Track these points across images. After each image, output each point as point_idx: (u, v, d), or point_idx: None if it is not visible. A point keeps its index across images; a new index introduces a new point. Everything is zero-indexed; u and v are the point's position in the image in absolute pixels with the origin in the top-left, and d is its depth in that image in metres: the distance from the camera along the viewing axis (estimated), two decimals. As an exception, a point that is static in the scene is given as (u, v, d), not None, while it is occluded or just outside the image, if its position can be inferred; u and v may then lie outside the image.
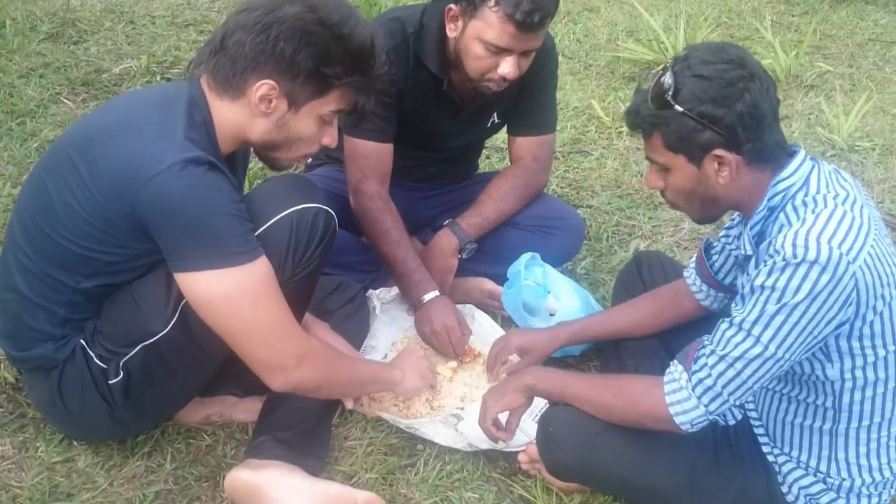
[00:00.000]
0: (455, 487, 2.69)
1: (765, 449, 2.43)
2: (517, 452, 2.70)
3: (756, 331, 2.11)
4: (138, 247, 2.31)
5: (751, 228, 2.26)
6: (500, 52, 2.86)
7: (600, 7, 6.27)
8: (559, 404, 2.49)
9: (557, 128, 3.49)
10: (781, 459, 2.39)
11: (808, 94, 5.22)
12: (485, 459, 2.76)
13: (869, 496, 2.32)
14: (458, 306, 3.17)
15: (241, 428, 2.82)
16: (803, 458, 2.35)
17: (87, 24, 5.26)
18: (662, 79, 2.20)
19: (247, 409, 2.82)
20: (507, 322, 3.26)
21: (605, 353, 2.96)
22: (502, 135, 3.58)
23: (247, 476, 2.54)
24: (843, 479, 2.31)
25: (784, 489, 2.39)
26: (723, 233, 2.64)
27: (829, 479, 2.32)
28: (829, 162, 2.46)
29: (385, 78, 2.42)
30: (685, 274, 2.76)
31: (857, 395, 2.22)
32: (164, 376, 2.47)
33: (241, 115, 2.34)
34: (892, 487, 2.35)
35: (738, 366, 2.14)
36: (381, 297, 3.18)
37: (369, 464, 2.73)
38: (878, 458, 2.29)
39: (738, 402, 2.21)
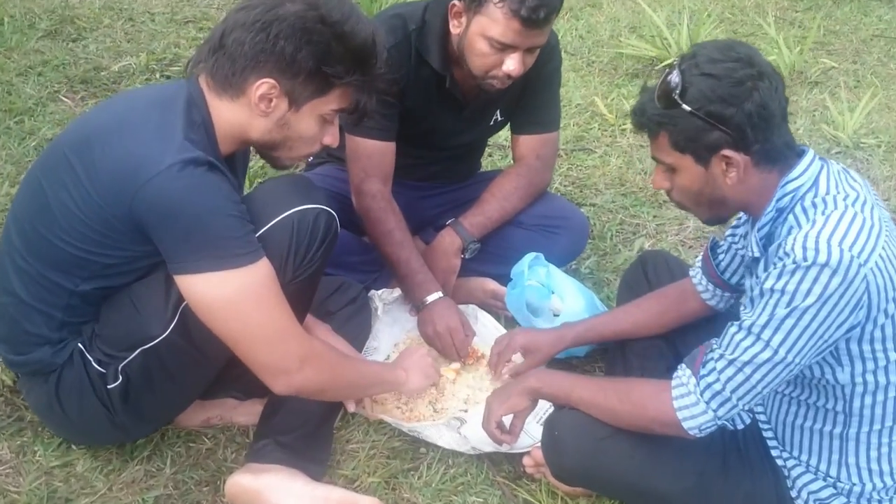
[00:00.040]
0: (459, 491, 2.66)
1: (774, 453, 2.40)
2: (521, 456, 2.67)
3: (766, 335, 2.08)
4: (137, 249, 2.28)
5: (758, 230, 2.23)
6: (504, 48, 2.82)
7: (603, 3, 6.23)
8: (564, 408, 2.46)
9: (560, 125, 3.46)
10: (791, 463, 2.36)
11: (813, 90, 5.18)
12: (489, 463, 2.73)
13: (879, 501, 2.29)
14: (461, 307, 3.14)
15: (242, 431, 2.80)
16: (813, 462, 2.32)
17: (86, 22, 5.23)
18: (669, 77, 2.16)
19: (247, 412, 2.80)
20: (510, 323, 3.23)
21: (611, 353, 2.94)
22: (505, 132, 3.55)
23: (247, 481, 2.52)
24: (854, 484, 2.27)
25: (793, 493, 2.36)
26: (729, 232, 2.61)
27: (839, 484, 2.29)
28: (834, 159, 2.43)
29: (387, 76, 2.39)
30: (691, 273, 2.73)
31: (868, 400, 2.18)
32: (164, 380, 2.44)
33: (241, 114, 2.31)
34: (902, 492, 2.32)
35: (748, 370, 2.11)
36: (384, 297, 3.15)
37: (372, 467, 2.71)
38: (889, 462, 2.26)
39: (746, 407, 2.18)
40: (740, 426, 2.47)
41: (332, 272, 2.93)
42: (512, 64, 2.84)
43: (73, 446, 2.68)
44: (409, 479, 2.69)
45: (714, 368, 2.15)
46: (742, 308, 2.20)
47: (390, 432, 2.82)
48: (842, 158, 4.43)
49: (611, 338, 2.86)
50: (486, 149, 3.82)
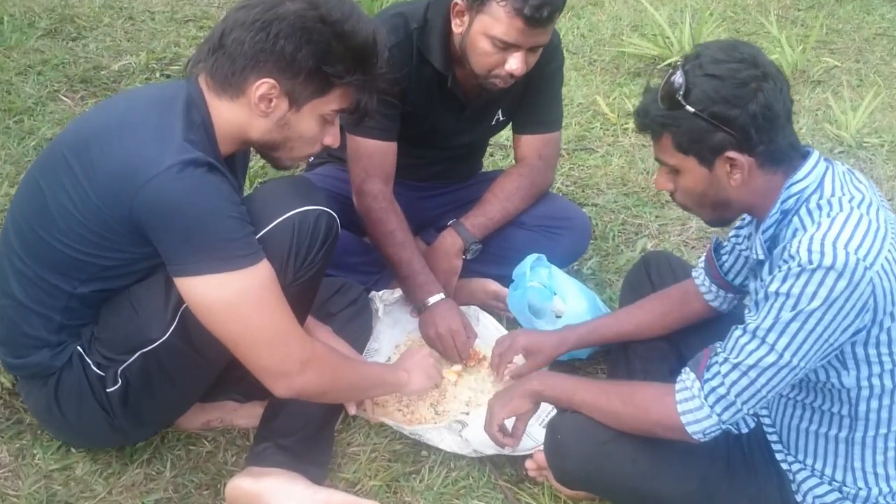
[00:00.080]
0: (461, 495, 2.65)
1: (779, 457, 2.38)
2: (524, 459, 2.65)
3: (770, 338, 2.06)
4: (136, 251, 2.26)
5: (763, 232, 2.21)
6: (507, 47, 2.80)
7: (604, 1, 6.20)
8: (567, 411, 2.44)
9: (563, 125, 3.43)
10: (796, 468, 2.34)
11: (815, 89, 5.16)
12: (491, 466, 2.71)
13: (885, 505, 2.27)
14: (463, 308, 3.12)
15: (243, 434, 2.78)
16: (818, 466, 2.30)
17: (86, 21, 5.21)
18: (673, 78, 2.14)
19: (248, 415, 2.79)
20: (511, 324, 3.22)
21: (613, 355, 2.92)
22: (506, 132, 3.53)
23: (248, 484, 2.50)
24: (860, 489, 2.25)
25: (798, 498, 2.33)
26: (732, 233, 2.59)
27: (844, 489, 2.27)
28: (837, 159, 2.41)
29: (388, 76, 2.37)
30: (694, 274, 2.72)
31: (874, 404, 2.16)
32: (164, 384, 2.43)
33: (241, 114, 2.29)
34: (908, 496, 2.30)
35: (752, 374, 2.09)
36: (385, 298, 3.13)
37: (373, 471, 2.69)
38: (896, 467, 2.25)
39: (751, 412, 2.16)
40: (744, 430, 2.45)
41: (333, 273, 2.91)
42: (515, 63, 2.83)
43: (73, 449, 2.67)
44: (411, 483, 2.67)
45: (718, 372, 2.14)
46: (746, 311, 2.17)
47: (391, 435, 2.80)
48: (845, 158, 4.41)
49: (613, 339, 2.84)
50: (488, 149, 3.80)
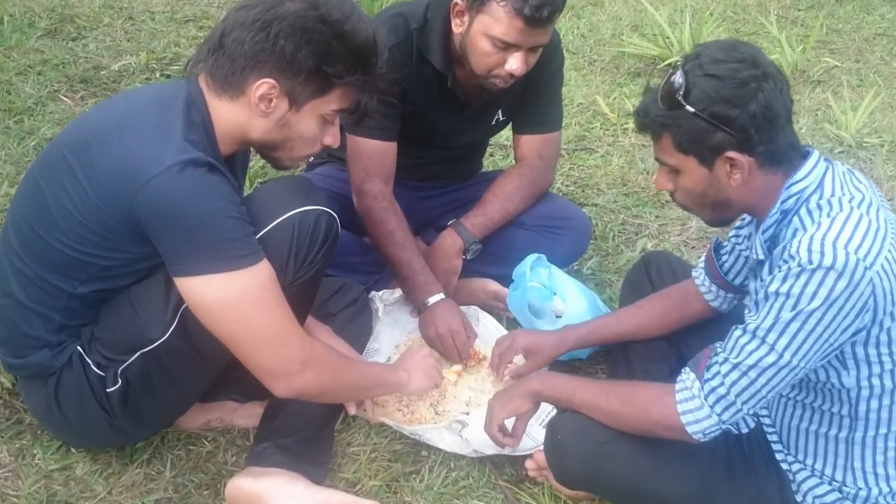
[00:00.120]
0: (461, 495, 2.65)
1: (778, 457, 2.38)
2: (524, 459, 2.65)
3: (770, 338, 2.06)
4: (136, 251, 2.26)
5: (763, 232, 2.20)
6: (507, 47, 2.80)
7: (604, 1, 6.20)
8: (567, 411, 2.44)
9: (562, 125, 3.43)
10: (796, 468, 2.34)
11: (815, 89, 5.16)
12: (491, 466, 2.71)
13: (885, 505, 2.27)
14: (463, 308, 3.12)
15: (243, 434, 2.78)
16: (818, 466, 2.29)
17: (86, 21, 5.21)
18: (673, 78, 2.14)
19: (248, 415, 2.78)
20: (511, 324, 3.21)
21: (613, 355, 2.92)
22: (506, 132, 3.53)
23: (248, 484, 2.50)
24: (860, 489, 2.25)
25: (798, 498, 2.33)
26: (732, 233, 2.59)
27: (844, 489, 2.27)
28: (837, 159, 2.41)
29: (388, 76, 2.37)
30: (693, 274, 2.72)
31: (874, 404, 2.16)
32: (164, 384, 2.42)
33: (241, 114, 2.29)
34: (908, 496, 2.30)
35: (752, 374, 2.09)
36: (384, 298, 3.13)
37: (373, 471, 2.69)
38: (896, 467, 2.25)
39: (751, 412, 2.15)
40: (745, 430, 2.45)
41: (333, 273, 2.90)
42: (515, 63, 2.82)
43: (73, 449, 2.67)
44: (411, 483, 2.67)
45: (718, 372, 2.13)
46: (746, 311, 2.17)
47: (391, 435, 2.80)
48: (845, 158, 4.41)
49: (613, 340, 2.84)
50: (488, 148, 3.80)
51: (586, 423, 2.37)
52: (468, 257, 3.21)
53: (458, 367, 2.99)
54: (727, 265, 2.59)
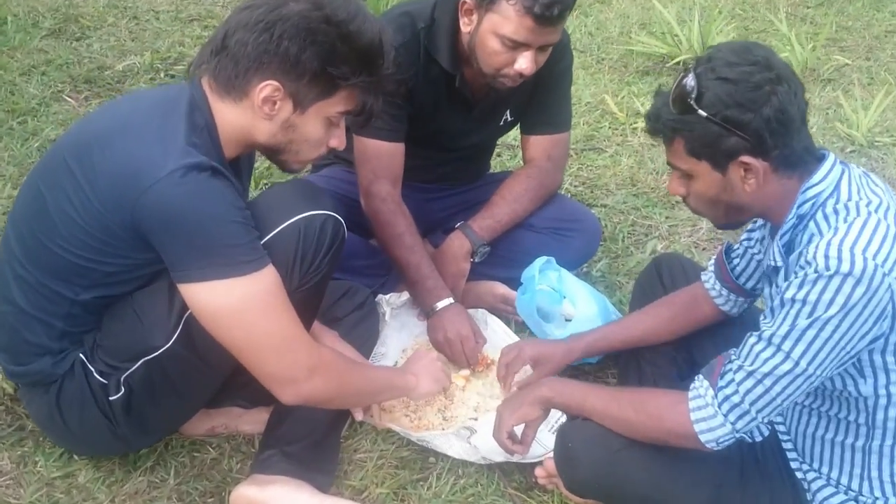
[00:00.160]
0: (469, 503, 2.61)
1: (793, 465, 2.34)
2: (533, 466, 2.61)
3: (786, 346, 2.02)
4: (138, 256, 2.23)
5: (780, 237, 2.16)
6: (516, 46, 2.77)
7: (612, -1, 6.18)
8: (578, 418, 2.40)
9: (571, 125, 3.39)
10: (811, 476, 2.30)
11: (826, 88, 5.12)
12: (499, 473, 2.67)
13: (902, 515, 2.23)
14: (471, 311, 3.10)
15: (248, 440, 2.75)
16: (834, 475, 2.26)
17: (90, 20, 5.20)
18: (684, 81, 2.10)
19: (253, 421, 2.75)
20: (520, 327, 3.18)
21: (623, 361, 2.88)
22: (514, 132, 3.49)
23: (253, 493, 2.48)
24: (877, 498, 2.21)
25: (813, 507, 2.30)
26: (744, 236, 2.55)
27: (861, 498, 2.23)
28: (848, 158, 2.37)
29: (395, 77, 2.33)
30: (703, 278, 2.68)
31: (892, 412, 2.12)
32: (167, 392, 2.39)
33: (245, 117, 2.26)
34: (926, 506, 2.26)
35: (767, 382, 2.05)
36: (391, 302, 3.10)
37: (380, 478, 2.66)
38: (913, 476, 2.21)
39: (766, 420, 2.12)
40: (759, 438, 2.41)
41: (339, 276, 2.87)
42: (524, 62, 2.79)
43: (75, 457, 2.64)
44: (419, 490, 2.63)
45: (733, 380, 2.10)
46: (762, 318, 2.13)
47: (399, 442, 2.77)
48: (856, 157, 4.37)
49: (621, 347, 2.80)
50: (495, 149, 3.76)
51: (597, 431, 2.33)
52: (476, 260, 3.17)
53: (466, 372, 2.96)
54: (739, 268, 2.55)
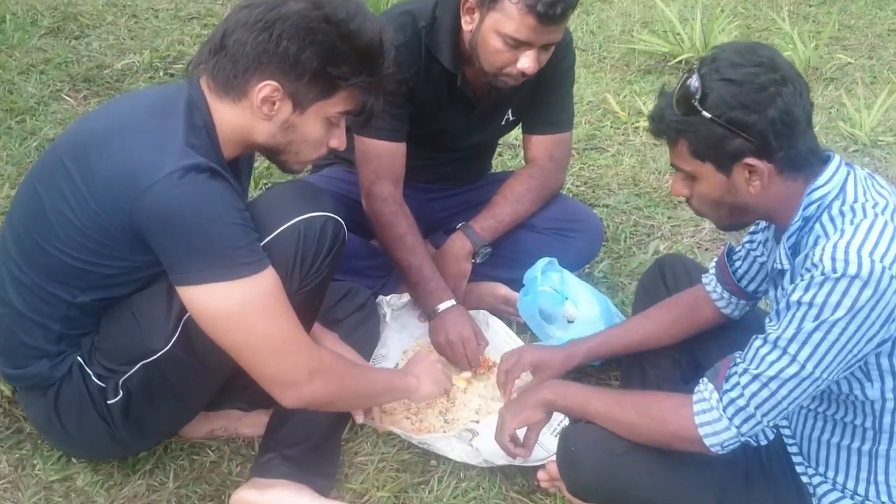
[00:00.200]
0: (471, 506, 2.60)
1: (798, 469, 2.32)
2: (536, 469, 2.60)
3: (792, 349, 2.00)
4: (136, 259, 2.21)
5: (786, 240, 2.14)
6: (519, 45, 2.74)
7: (614, -3, 6.17)
8: (580, 421, 2.38)
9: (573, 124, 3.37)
10: (816, 480, 2.28)
11: (828, 87, 5.10)
12: (501, 476, 2.65)
13: (908, 520, 2.21)
14: (472, 312, 3.07)
15: (247, 443, 2.73)
16: (840, 479, 2.24)
17: (89, 19, 5.18)
18: (688, 82, 2.07)
19: (253, 423, 2.73)
20: (522, 328, 3.16)
21: (626, 363, 2.86)
22: (515, 131, 3.47)
23: (253, 496, 2.46)
24: (883, 503, 2.19)
25: (818, 512, 2.28)
26: (747, 238, 2.53)
27: (867, 502, 2.21)
28: (851, 158, 2.35)
29: (395, 76, 2.31)
30: (704, 280, 2.65)
31: (900, 416, 2.10)
32: (166, 395, 2.37)
33: (244, 117, 2.23)
34: (933, 511, 2.24)
35: (773, 386, 2.03)
36: (392, 303, 3.08)
37: (381, 481, 2.63)
38: (920, 481, 2.18)
39: (771, 424, 2.10)
40: (764, 442, 2.39)
41: (340, 277, 2.84)
42: (526, 61, 2.77)
43: (74, 460, 2.62)
44: (420, 494, 2.61)
45: (738, 383, 2.07)
46: (767, 321, 2.11)
47: (400, 444, 2.75)
48: (859, 157, 4.34)
49: (623, 351, 2.78)
50: (497, 148, 3.74)
51: (600, 434, 2.32)
52: (477, 261, 3.15)
53: (467, 374, 2.94)
54: (741, 271, 2.53)
